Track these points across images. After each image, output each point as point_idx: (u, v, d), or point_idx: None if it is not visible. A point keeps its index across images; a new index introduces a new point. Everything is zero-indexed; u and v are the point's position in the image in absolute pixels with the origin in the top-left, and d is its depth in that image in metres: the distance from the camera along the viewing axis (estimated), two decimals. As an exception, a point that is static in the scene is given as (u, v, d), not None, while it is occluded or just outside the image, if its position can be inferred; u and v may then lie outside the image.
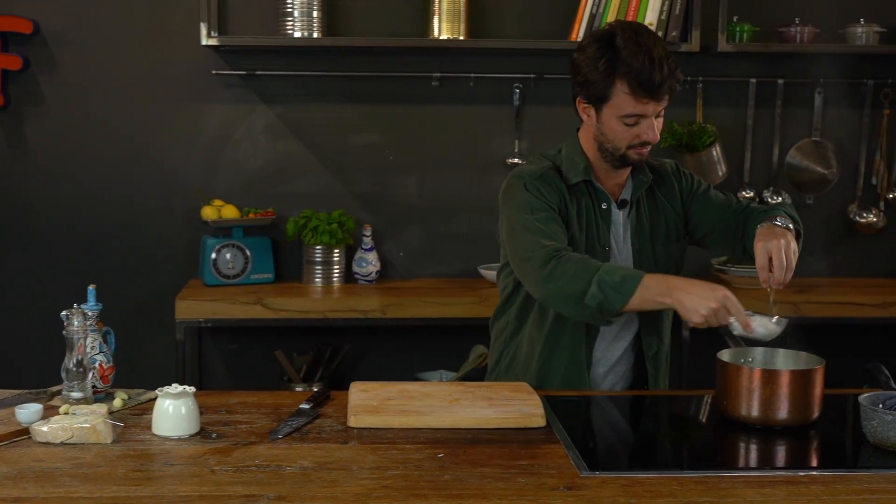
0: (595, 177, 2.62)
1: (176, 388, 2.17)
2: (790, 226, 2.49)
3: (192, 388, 2.20)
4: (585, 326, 2.61)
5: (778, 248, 2.39)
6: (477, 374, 4.03)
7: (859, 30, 4.16)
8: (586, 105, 2.55)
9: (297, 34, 4.01)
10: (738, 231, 2.66)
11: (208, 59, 4.17)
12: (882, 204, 4.41)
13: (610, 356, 2.68)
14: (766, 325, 2.36)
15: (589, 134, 2.61)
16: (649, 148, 2.55)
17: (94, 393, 2.37)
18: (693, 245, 2.79)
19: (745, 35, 4.15)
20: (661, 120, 2.54)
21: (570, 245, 2.53)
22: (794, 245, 2.43)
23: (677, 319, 2.58)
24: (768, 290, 2.43)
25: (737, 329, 2.33)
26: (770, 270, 2.40)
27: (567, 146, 2.66)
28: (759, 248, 2.41)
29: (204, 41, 3.98)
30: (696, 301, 2.30)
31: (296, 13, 4.00)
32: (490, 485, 1.89)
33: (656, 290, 2.35)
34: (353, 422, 2.22)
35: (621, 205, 2.65)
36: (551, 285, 2.42)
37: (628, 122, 2.48)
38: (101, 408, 2.21)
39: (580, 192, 2.61)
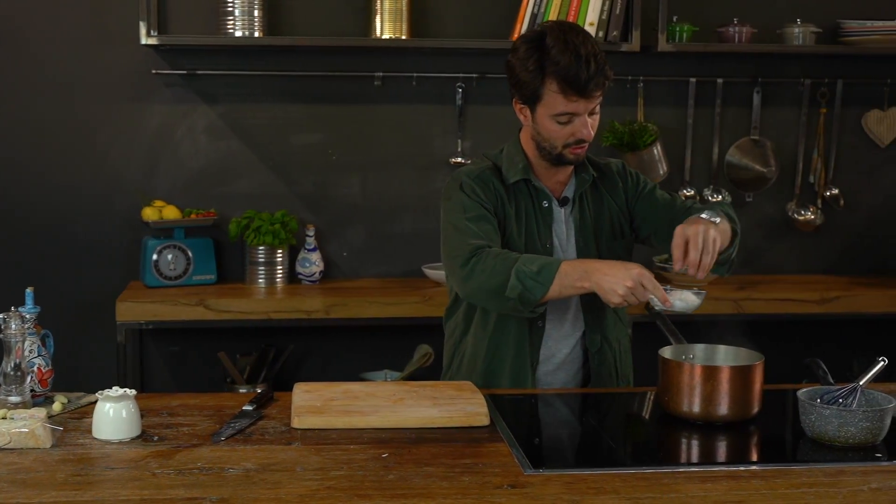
0: (536, 175, 2.64)
1: (116, 391, 2.15)
2: (716, 220, 2.45)
3: (133, 391, 2.18)
4: (529, 325, 2.62)
5: (695, 232, 2.38)
6: (422, 374, 4.03)
7: (796, 30, 4.22)
8: (522, 106, 2.57)
9: (238, 33, 3.98)
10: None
11: (148, 58, 4.13)
12: (819, 201, 4.47)
13: (559, 354, 2.69)
14: (685, 298, 2.40)
15: (527, 137, 2.63)
16: (586, 147, 2.56)
17: (33, 397, 2.33)
18: (639, 244, 2.82)
19: (684, 35, 4.19)
20: (596, 117, 2.55)
21: (509, 244, 2.56)
22: (713, 233, 2.39)
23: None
24: (685, 274, 2.44)
25: (657, 305, 2.36)
26: (686, 255, 2.40)
27: (509, 146, 2.68)
28: (678, 231, 2.41)
29: (143, 40, 3.94)
30: (613, 282, 2.35)
31: (237, 12, 3.97)
32: (434, 484, 1.89)
33: (574, 276, 2.40)
34: (296, 423, 2.21)
35: (563, 202, 2.66)
36: (472, 281, 2.47)
37: (561, 120, 2.50)
38: (40, 412, 2.18)
39: (519, 191, 2.63)
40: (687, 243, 2.40)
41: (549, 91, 2.47)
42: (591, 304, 2.65)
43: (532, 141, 2.61)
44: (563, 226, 2.66)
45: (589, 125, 2.52)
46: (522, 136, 2.66)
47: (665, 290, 2.39)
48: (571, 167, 2.66)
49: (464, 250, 2.49)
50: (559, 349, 2.69)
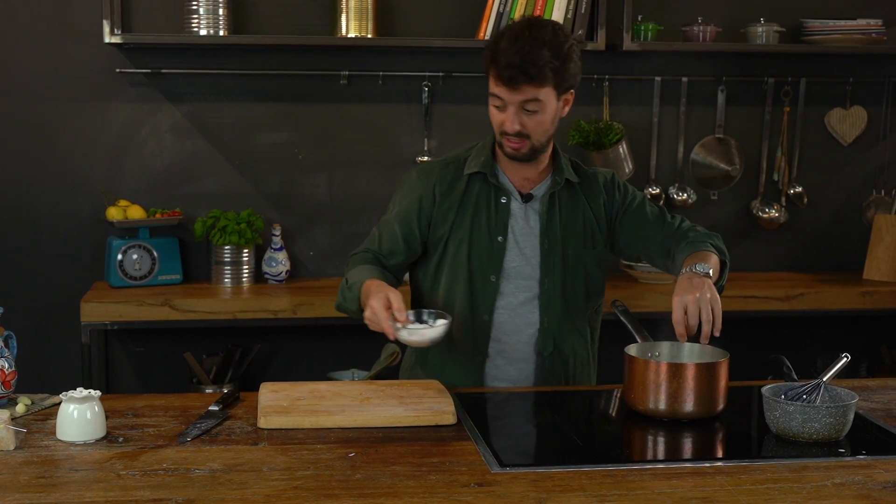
0: (502, 170, 2.65)
1: (80, 392, 2.14)
2: (709, 271, 2.42)
3: (98, 392, 2.17)
4: (472, 319, 2.64)
5: (693, 301, 2.33)
6: (388, 373, 4.02)
7: (760, 29, 4.25)
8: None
9: (203, 32, 3.96)
10: (668, 255, 2.67)
11: (112, 57, 4.10)
12: (783, 199, 4.51)
13: (509, 353, 2.68)
14: (419, 334, 2.36)
15: None
16: (521, 144, 2.53)
17: (-4, 399, 2.32)
18: (613, 255, 2.82)
19: (649, 34, 4.21)
20: (536, 118, 2.50)
21: (458, 234, 2.62)
22: (709, 295, 2.34)
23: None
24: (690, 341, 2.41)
25: (402, 335, 2.35)
26: (686, 324, 2.34)
27: (483, 141, 2.70)
28: (676, 302, 2.36)
29: (107, 39, 3.91)
30: (367, 307, 2.40)
31: (201, 10, 3.95)
32: (401, 483, 1.89)
33: (365, 294, 2.45)
34: (263, 423, 2.21)
35: (526, 199, 2.66)
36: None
37: (494, 103, 2.52)
38: (4, 414, 2.16)
39: (479, 185, 2.65)
40: (686, 313, 2.34)
41: (491, 72, 2.51)
42: (548, 306, 2.66)
43: None
44: (524, 223, 2.66)
45: (513, 119, 2.49)
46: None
47: (408, 315, 2.37)
48: (542, 167, 2.65)
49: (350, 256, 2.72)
50: (511, 347, 2.68)
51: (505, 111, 2.50)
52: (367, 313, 2.38)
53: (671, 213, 2.78)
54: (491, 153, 2.66)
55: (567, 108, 2.58)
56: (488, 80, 2.53)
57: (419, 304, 2.73)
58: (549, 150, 2.64)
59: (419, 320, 2.42)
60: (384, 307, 2.32)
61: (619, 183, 2.76)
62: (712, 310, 2.32)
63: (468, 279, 2.64)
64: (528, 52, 2.42)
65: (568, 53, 2.49)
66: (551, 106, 2.51)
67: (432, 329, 2.38)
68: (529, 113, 2.49)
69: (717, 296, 2.37)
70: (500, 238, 2.63)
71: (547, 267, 2.65)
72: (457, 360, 2.68)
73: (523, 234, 2.66)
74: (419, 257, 2.71)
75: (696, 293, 2.33)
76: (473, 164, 2.64)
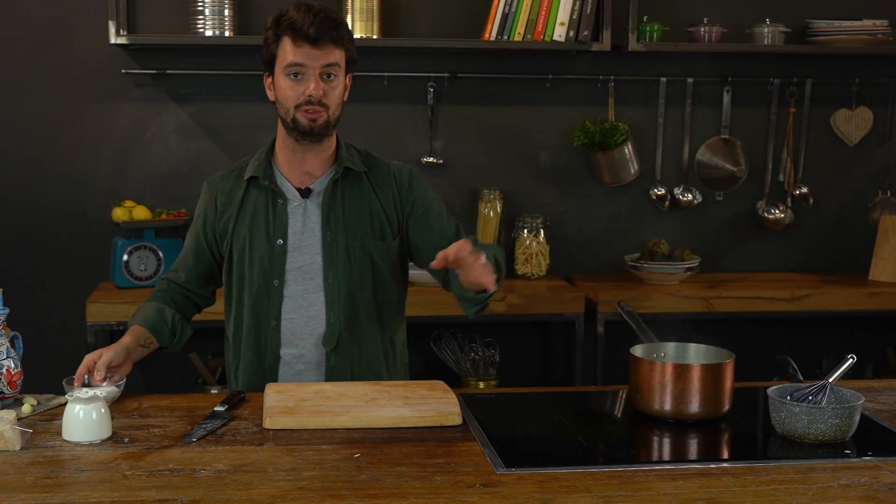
0: (283, 169, 2.64)
1: (86, 392, 2.14)
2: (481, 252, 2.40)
3: (103, 392, 2.17)
4: (258, 326, 2.64)
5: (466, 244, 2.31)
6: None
7: (765, 29, 4.24)
8: (269, 79, 2.60)
9: (209, 33, 3.97)
10: (442, 271, 2.61)
11: (117, 57, 4.10)
12: (789, 200, 4.50)
13: (309, 357, 2.65)
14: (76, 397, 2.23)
15: (279, 122, 2.62)
16: (321, 113, 2.52)
17: (2, 399, 2.32)
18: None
19: (654, 35, 4.20)
20: (336, 88, 2.54)
21: (240, 240, 2.64)
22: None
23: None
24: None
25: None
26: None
27: (265, 146, 2.71)
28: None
29: (113, 39, 3.92)
30: None
31: (207, 11, 3.95)
32: (407, 483, 1.89)
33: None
34: (268, 423, 2.21)
35: (304, 194, 2.64)
36: None
37: (290, 72, 2.51)
38: (10, 414, 2.16)
39: (257, 188, 2.66)
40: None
41: (283, 45, 2.51)
42: (332, 300, 2.62)
43: (280, 123, 2.61)
44: (303, 220, 2.63)
45: (318, 84, 2.50)
46: (278, 131, 2.66)
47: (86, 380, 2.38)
48: (325, 157, 2.62)
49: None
50: (304, 350, 2.64)
51: (304, 79, 2.51)
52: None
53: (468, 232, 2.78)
54: (267, 158, 2.66)
55: (347, 93, 2.61)
56: (273, 66, 2.55)
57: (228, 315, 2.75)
58: (334, 137, 2.64)
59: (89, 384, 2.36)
60: (89, 361, 2.42)
61: (414, 182, 2.72)
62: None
63: (251, 286, 2.63)
64: (327, 15, 2.50)
65: (349, 29, 2.59)
66: (342, 77, 2.56)
67: (107, 392, 2.30)
68: (328, 80, 2.52)
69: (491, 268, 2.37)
70: (279, 241, 2.61)
71: (330, 259, 2.61)
72: (248, 369, 2.66)
73: (304, 231, 2.63)
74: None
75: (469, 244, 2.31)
76: (250, 169, 2.65)
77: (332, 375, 2.64)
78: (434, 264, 2.32)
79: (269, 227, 2.61)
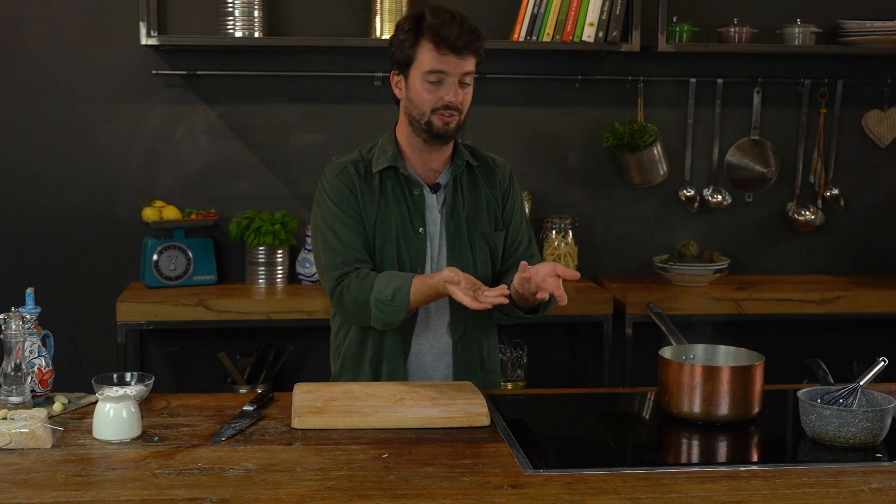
0: (409, 163, 2.67)
1: (116, 391, 2.15)
2: None
3: (134, 391, 2.18)
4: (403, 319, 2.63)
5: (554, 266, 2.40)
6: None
7: (796, 30, 4.22)
8: (398, 77, 2.62)
9: (238, 34, 3.98)
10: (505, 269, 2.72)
11: (148, 58, 4.13)
12: (820, 202, 4.47)
13: (427, 342, 2.67)
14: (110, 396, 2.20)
15: (402, 120, 2.66)
16: (455, 117, 2.57)
17: (34, 397, 2.34)
18: None
19: (684, 35, 4.19)
20: (469, 93, 2.58)
21: (384, 229, 2.62)
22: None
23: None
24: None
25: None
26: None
27: (383, 137, 2.72)
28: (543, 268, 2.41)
29: (143, 41, 3.94)
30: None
31: (237, 13, 3.97)
32: (435, 484, 1.89)
33: (427, 291, 2.48)
34: (297, 423, 2.21)
35: (434, 189, 2.68)
36: (342, 310, 2.63)
37: (431, 79, 2.53)
38: (41, 412, 2.18)
39: (390, 180, 2.66)
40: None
41: (424, 50, 2.53)
42: None
43: (405, 122, 2.64)
44: (436, 212, 2.68)
45: (458, 91, 2.55)
46: (397, 128, 2.69)
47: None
48: (447, 155, 2.67)
49: (332, 275, 2.60)
50: (427, 337, 2.67)
51: (444, 85, 2.54)
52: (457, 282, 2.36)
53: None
54: (395, 148, 2.68)
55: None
56: (409, 67, 2.56)
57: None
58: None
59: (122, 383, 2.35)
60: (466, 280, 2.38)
61: (514, 182, 2.81)
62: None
63: None
64: (470, 25, 2.53)
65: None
66: (473, 82, 2.60)
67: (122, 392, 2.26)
68: (465, 86, 2.57)
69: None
70: (420, 230, 2.65)
71: (453, 251, 2.66)
72: (384, 359, 2.66)
73: (434, 221, 2.67)
74: None
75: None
76: (381, 161, 2.65)
77: (459, 364, 2.67)
78: (562, 303, 2.38)
79: (411, 215, 2.65)
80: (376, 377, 2.67)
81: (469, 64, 2.55)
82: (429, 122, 2.57)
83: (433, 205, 2.67)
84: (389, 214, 2.63)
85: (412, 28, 2.54)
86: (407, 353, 2.66)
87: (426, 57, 2.52)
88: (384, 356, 2.67)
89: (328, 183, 2.66)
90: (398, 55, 2.58)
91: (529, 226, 2.85)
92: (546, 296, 2.38)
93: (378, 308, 2.50)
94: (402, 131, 2.67)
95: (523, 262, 2.44)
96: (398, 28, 2.59)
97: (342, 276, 2.58)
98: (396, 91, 2.64)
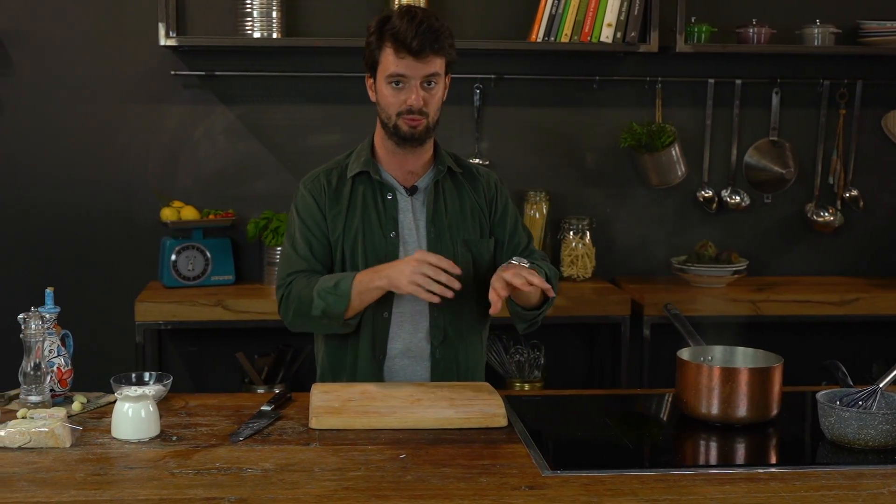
0: (384, 167, 2.67)
1: (135, 391, 2.16)
2: (525, 263, 2.51)
3: (152, 391, 2.19)
4: (373, 319, 2.62)
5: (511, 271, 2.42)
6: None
7: (815, 30, 4.20)
8: (370, 80, 2.62)
9: (257, 34, 3.99)
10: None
11: (167, 59, 4.14)
12: (839, 203, 4.45)
13: (415, 351, 2.65)
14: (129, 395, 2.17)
15: (378, 123, 2.65)
16: (422, 122, 2.56)
17: (53, 396, 2.35)
18: None
19: (702, 36, 4.18)
20: (436, 96, 2.57)
21: (351, 236, 2.62)
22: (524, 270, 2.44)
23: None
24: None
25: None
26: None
27: (362, 143, 2.72)
28: (494, 279, 2.44)
29: (162, 41, 3.95)
30: (399, 270, 2.43)
31: (255, 13, 3.98)
32: (452, 485, 1.89)
33: (366, 279, 2.49)
34: (314, 423, 2.22)
35: (411, 191, 2.67)
36: (286, 312, 2.62)
37: (393, 81, 2.53)
38: (60, 411, 2.19)
39: (364, 184, 2.66)
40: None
41: (386, 53, 2.52)
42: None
43: (380, 123, 2.63)
44: (412, 216, 2.66)
45: (419, 94, 2.53)
46: (376, 130, 2.69)
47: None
48: (426, 158, 2.67)
49: (280, 283, 2.63)
50: (411, 344, 2.65)
51: (406, 88, 2.53)
52: (413, 264, 2.40)
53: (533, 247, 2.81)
54: (370, 153, 2.68)
55: (446, 92, 2.63)
56: (375, 70, 2.56)
57: None
58: (432, 139, 2.67)
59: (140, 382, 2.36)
60: (435, 255, 2.42)
61: (499, 186, 2.79)
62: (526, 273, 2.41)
63: None
64: (430, 24, 2.51)
65: (450, 31, 2.59)
66: (441, 83, 2.59)
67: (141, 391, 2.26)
68: (428, 88, 2.55)
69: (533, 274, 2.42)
70: (392, 234, 2.63)
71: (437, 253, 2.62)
72: (359, 364, 2.65)
73: (412, 227, 2.65)
74: None
75: (512, 270, 2.42)
76: (355, 166, 2.66)
77: (437, 369, 2.66)
78: (492, 311, 2.41)
79: (381, 220, 2.64)
80: (340, 375, 2.67)
81: (432, 66, 2.52)
82: (395, 126, 2.57)
83: (407, 209, 2.66)
84: (357, 220, 2.63)
85: (376, 31, 2.54)
86: (383, 358, 2.64)
87: (387, 60, 2.52)
88: (359, 363, 2.65)
89: (299, 194, 2.71)
90: (367, 58, 2.59)
91: (526, 227, 2.82)
92: (494, 296, 2.39)
93: (321, 297, 2.51)
94: (378, 134, 2.67)
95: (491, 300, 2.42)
96: (367, 29, 2.59)
97: (292, 277, 2.61)
98: (371, 94, 2.64)
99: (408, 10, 2.53)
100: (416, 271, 2.40)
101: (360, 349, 2.64)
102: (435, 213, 2.66)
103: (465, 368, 2.69)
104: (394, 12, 2.55)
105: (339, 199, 2.66)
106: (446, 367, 2.66)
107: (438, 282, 2.39)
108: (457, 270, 2.42)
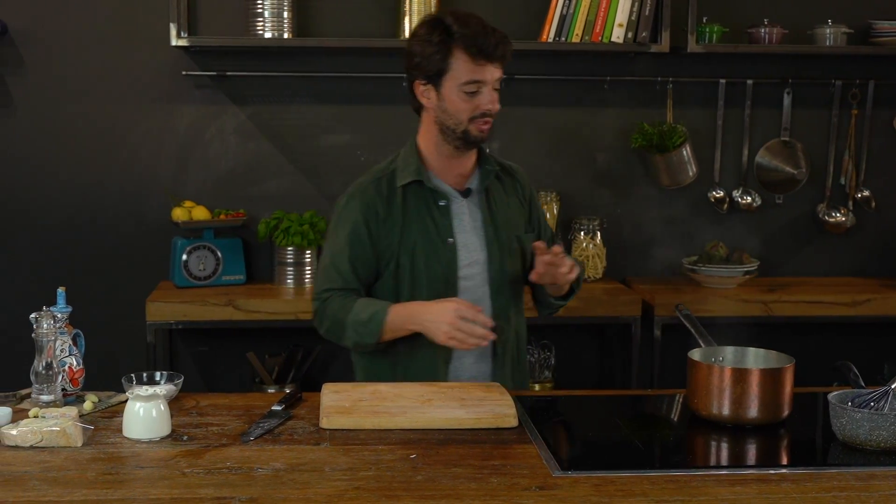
0: (434, 173, 2.67)
1: (146, 390, 2.17)
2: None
3: (163, 390, 2.19)
4: None
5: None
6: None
7: (827, 31, 4.19)
8: (425, 87, 2.59)
9: (268, 35, 4.00)
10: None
11: (178, 59, 4.15)
12: (850, 203, 4.44)
13: (478, 348, 2.63)
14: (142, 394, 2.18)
15: (427, 128, 2.65)
16: (491, 123, 2.59)
17: (64, 396, 2.35)
18: None
19: (714, 36, 4.17)
20: (497, 96, 2.59)
21: (409, 245, 2.62)
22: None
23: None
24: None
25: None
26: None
27: (404, 150, 2.71)
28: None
29: (174, 42, 3.96)
30: (435, 321, 2.45)
31: (266, 14, 3.98)
32: (462, 485, 1.89)
33: (402, 321, 2.53)
34: (325, 423, 2.22)
35: (465, 194, 2.68)
36: (320, 323, 2.68)
37: (468, 90, 2.53)
38: (71, 411, 2.20)
39: (415, 194, 2.65)
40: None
41: (457, 60, 2.52)
42: (498, 291, 2.67)
43: (433, 131, 2.63)
44: (468, 217, 2.68)
45: (495, 98, 2.57)
46: (419, 137, 2.68)
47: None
48: (473, 159, 2.69)
49: (316, 296, 2.67)
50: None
51: (479, 94, 2.55)
52: (449, 320, 2.42)
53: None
54: (418, 160, 2.67)
55: None
56: (441, 78, 2.55)
57: None
58: None
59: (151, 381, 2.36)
60: (470, 308, 2.44)
61: (529, 183, 2.85)
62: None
63: (428, 286, 2.63)
64: (498, 30, 2.54)
65: None
66: None
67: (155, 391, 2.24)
68: (496, 92, 2.58)
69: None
70: (449, 240, 2.64)
71: (491, 254, 2.67)
72: (424, 361, 2.65)
73: (468, 229, 2.67)
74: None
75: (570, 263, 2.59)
76: (405, 175, 2.65)
77: (500, 363, 2.69)
78: (534, 276, 2.55)
79: (438, 228, 2.64)
80: (407, 376, 2.67)
81: (501, 70, 2.57)
82: (465, 131, 2.57)
83: (463, 212, 2.67)
84: (414, 229, 2.63)
85: (442, 37, 2.52)
86: (449, 356, 2.66)
87: (462, 68, 2.52)
88: (425, 354, 2.64)
89: (347, 206, 2.67)
90: (426, 66, 2.55)
91: (548, 224, 2.91)
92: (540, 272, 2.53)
93: (354, 329, 2.57)
94: (429, 140, 2.65)
95: (538, 243, 2.55)
96: (420, 38, 2.56)
97: (325, 299, 2.64)
98: (424, 100, 2.61)
99: (466, 15, 2.54)
100: (453, 328, 2.42)
101: (421, 351, 2.63)
102: (490, 213, 2.68)
103: (520, 363, 2.76)
104: (447, 18, 2.54)
105: (391, 210, 2.64)
106: (509, 358, 2.71)
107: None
108: (489, 323, 2.45)
